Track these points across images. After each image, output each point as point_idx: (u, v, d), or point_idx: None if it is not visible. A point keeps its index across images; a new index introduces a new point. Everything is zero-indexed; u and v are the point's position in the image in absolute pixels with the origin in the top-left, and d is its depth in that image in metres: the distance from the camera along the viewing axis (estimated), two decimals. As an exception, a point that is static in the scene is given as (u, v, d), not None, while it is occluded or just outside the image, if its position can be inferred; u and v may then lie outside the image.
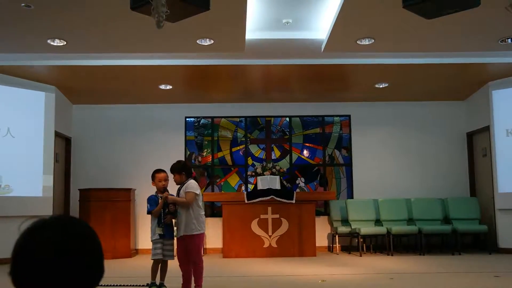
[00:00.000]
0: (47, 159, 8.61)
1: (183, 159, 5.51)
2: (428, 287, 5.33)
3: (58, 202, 9.27)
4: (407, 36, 6.78)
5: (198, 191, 5.28)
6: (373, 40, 6.85)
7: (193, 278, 5.21)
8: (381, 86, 9.13)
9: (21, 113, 8.34)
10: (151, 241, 5.35)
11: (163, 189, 5.37)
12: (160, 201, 5.29)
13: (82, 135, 9.85)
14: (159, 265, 5.34)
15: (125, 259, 8.54)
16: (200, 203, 5.34)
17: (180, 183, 5.32)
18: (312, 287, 5.54)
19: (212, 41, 6.80)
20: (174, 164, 5.38)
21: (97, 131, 9.87)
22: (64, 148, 9.69)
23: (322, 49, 7.26)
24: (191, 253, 5.17)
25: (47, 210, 8.52)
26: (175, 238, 5.36)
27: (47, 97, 8.69)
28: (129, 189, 9.02)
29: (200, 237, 5.28)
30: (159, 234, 5.25)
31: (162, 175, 5.42)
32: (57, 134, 9.10)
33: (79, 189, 9.07)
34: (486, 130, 9.29)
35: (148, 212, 5.33)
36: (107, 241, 8.59)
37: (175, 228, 5.34)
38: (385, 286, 5.56)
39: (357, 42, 6.92)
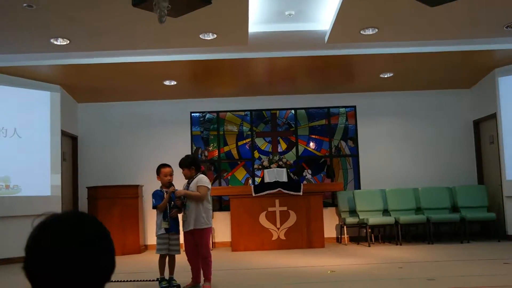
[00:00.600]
0: (55, 158, 8.65)
1: (190, 154, 5.48)
2: (438, 275, 5.33)
3: (67, 201, 9.32)
4: (410, 25, 6.74)
5: (210, 185, 5.33)
6: (376, 30, 6.82)
7: (202, 272, 5.24)
8: (386, 76, 9.09)
9: (27, 113, 8.37)
10: (156, 236, 5.37)
11: (168, 184, 5.39)
12: (165, 195, 5.31)
13: (88, 133, 9.88)
14: (166, 259, 5.37)
15: (135, 255, 8.58)
16: (209, 198, 5.37)
17: (190, 177, 5.34)
18: (321, 278, 5.55)
19: (215, 35, 6.79)
20: (182, 159, 5.41)
21: (103, 129, 9.90)
22: (71, 147, 9.73)
23: (326, 40, 7.24)
24: (200, 247, 5.20)
25: (56, 209, 8.51)
26: (181, 233, 5.38)
27: (52, 97, 8.72)
28: (137, 186, 9.05)
29: (209, 231, 5.32)
30: (165, 228, 5.27)
31: (167, 169, 5.44)
32: (64, 133, 9.14)
33: (87, 187, 9.11)
34: (493, 117, 9.24)
35: (154, 207, 5.35)
36: (116, 237, 8.63)
37: (181, 222, 5.36)
38: (394, 275, 5.56)
39: (361, 32, 6.89)
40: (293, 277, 5.76)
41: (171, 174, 5.45)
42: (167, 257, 5.37)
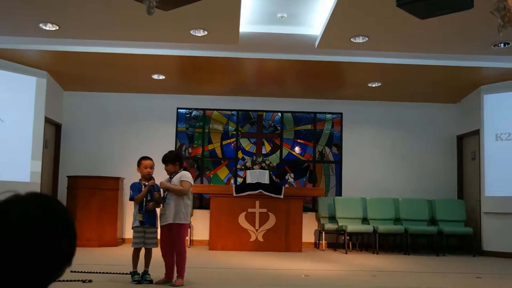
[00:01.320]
0: (36, 144, 8.56)
1: (174, 150, 5.47)
2: (409, 284, 5.36)
3: (46, 188, 9.24)
4: (401, 36, 6.79)
5: (193, 182, 5.33)
6: (367, 39, 6.86)
7: (175, 268, 5.22)
8: (374, 85, 9.15)
9: (11, 97, 8.28)
10: (132, 228, 5.35)
11: (148, 177, 5.37)
12: (143, 188, 5.29)
13: (72, 122, 9.80)
14: (139, 253, 5.34)
15: (111, 248, 8.53)
16: (190, 195, 5.36)
17: (173, 173, 5.32)
18: (294, 282, 5.56)
19: (206, 32, 6.78)
20: (167, 154, 5.39)
21: (88, 119, 9.82)
22: (54, 135, 9.64)
23: (316, 45, 7.26)
24: (176, 242, 5.18)
25: (34, 196, 8.48)
26: (158, 226, 5.36)
27: (38, 82, 8.64)
28: (118, 178, 8.99)
29: (187, 227, 5.32)
30: (140, 221, 5.25)
31: (148, 162, 5.42)
32: (48, 120, 9.05)
33: (67, 176, 9.03)
34: (476, 133, 9.34)
35: (131, 198, 5.33)
36: (94, 229, 8.60)
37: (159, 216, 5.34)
38: (367, 282, 5.59)
39: (351, 39, 6.92)
40: (267, 278, 5.76)
41: (151, 167, 5.43)
42: (141, 250, 5.34)
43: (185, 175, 5.26)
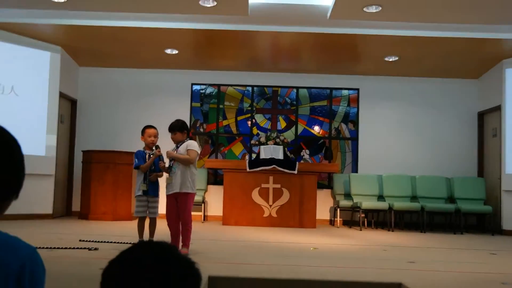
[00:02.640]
0: (51, 119, 8.63)
1: (180, 119, 5.40)
2: (419, 259, 5.24)
3: (62, 162, 9.34)
4: (415, 4, 6.56)
5: (199, 150, 5.27)
6: (380, 8, 6.66)
7: (181, 237, 5.20)
8: (391, 60, 8.92)
9: (25, 71, 8.34)
10: (135, 197, 5.35)
11: (152, 145, 5.34)
12: (147, 157, 5.26)
13: (88, 98, 9.85)
14: (144, 222, 5.34)
15: (125, 222, 8.58)
16: (195, 164, 5.30)
17: (180, 141, 5.26)
18: (302, 254, 5.49)
19: (215, 3, 6.68)
20: (173, 122, 5.31)
21: (103, 94, 9.86)
22: (69, 110, 9.71)
23: (328, 16, 7.09)
24: (183, 212, 5.14)
25: (50, 169, 8.59)
26: (159, 196, 5.36)
27: (52, 57, 8.67)
28: (132, 153, 8.94)
29: (193, 197, 5.25)
30: (143, 191, 5.24)
31: (152, 130, 5.39)
32: (63, 96, 9.11)
33: (82, 151, 9.10)
34: (498, 110, 9.05)
35: (136, 167, 5.30)
36: (108, 202, 8.66)
37: (161, 185, 5.33)
38: (375, 255, 5.48)
39: (364, 9, 6.73)
40: (273, 250, 5.70)
41: (155, 136, 5.40)
42: (145, 220, 5.34)
43: (192, 144, 5.20)
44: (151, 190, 5.28)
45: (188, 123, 9.65)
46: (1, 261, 1.03)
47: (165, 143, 5.57)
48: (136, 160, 5.30)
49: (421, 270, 4.53)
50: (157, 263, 1.02)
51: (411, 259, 5.24)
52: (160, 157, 5.35)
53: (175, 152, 5.22)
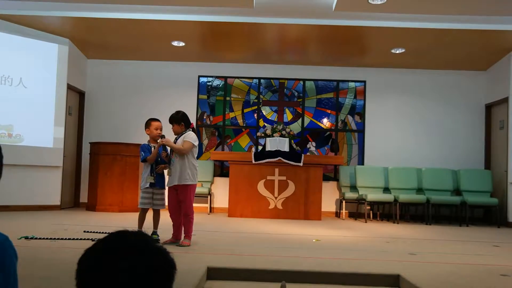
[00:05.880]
0: (59, 111, 8.72)
1: (181, 110, 5.43)
2: (421, 251, 5.25)
3: (70, 154, 9.43)
4: (420, -3, 6.53)
5: (196, 142, 5.28)
6: (385, 0, 6.63)
7: (183, 228, 5.25)
8: (397, 52, 8.89)
9: (34, 64, 8.43)
10: (141, 189, 5.39)
11: (158, 138, 5.38)
12: (153, 149, 5.31)
13: (96, 90, 9.93)
14: (146, 214, 5.40)
15: (132, 213, 8.65)
16: (194, 154, 5.32)
17: (179, 133, 5.31)
18: (304, 246, 5.52)
19: (220, -5, 6.69)
20: (173, 114, 5.36)
21: (110, 87, 9.93)
22: (78, 102, 9.80)
23: (333, 8, 7.07)
24: (183, 203, 5.19)
25: (58, 161, 8.69)
26: (166, 188, 5.39)
27: (60, 50, 8.75)
28: (139, 144, 9.00)
29: (193, 188, 5.28)
30: (150, 183, 5.29)
31: (158, 123, 5.44)
32: (71, 88, 9.20)
33: (89, 142, 9.19)
34: (505, 102, 8.99)
35: (143, 160, 5.34)
36: (115, 194, 8.74)
37: (166, 177, 5.36)
38: (377, 247, 5.50)
39: (369, 1, 6.71)
40: (276, 241, 5.74)
41: (161, 129, 5.45)
42: (148, 211, 5.40)
43: (188, 135, 5.23)
44: (158, 182, 5.34)
45: (195, 115, 9.72)
46: None
47: (169, 135, 5.61)
48: (143, 153, 5.34)
49: (421, 262, 4.54)
50: (131, 252, 1.04)
51: (413, 251, 5.26)
52: (164, 147, 5.39)
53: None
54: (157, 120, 5.50)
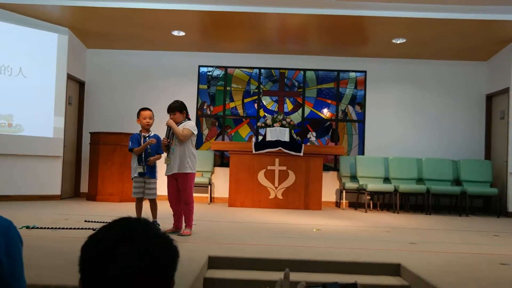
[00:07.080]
0: (59, 101, 8.71)
1: (179, 100, 5.42)
2: (421, 240, 5.27)
3: (70, 144, 9.43)
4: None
5: (195, 131, 5.28)
6: (386, -11, 6.60)
7: (183, 217, 5.26)
8: (398, 42, 8.86)
9: (33, 53, 8.40)
10: (131, 179, 5.43)
11: (148, 128, 5.41)
12: (142, 140, 5.36)
13: (96, 80, 9.91)
14: (142, 203, 5.43)
15: (132, 203, 8.64)
16: (194, 143, 5.33)
17: (179, 122, 5.29)
18: (304, 235, 5.54)
19: (220, -16, 6.65)
20: (173, 103, 5.33)
21: (110, 76, 9.91)
22: (78, 92, 9.78)
23: (334, -3, 7.04)
24: (183, 192, 5.19)
25: (58, 151, 8.69)
26: (157, 178, 5.45)
27: (60, 39, 8.72)
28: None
29: (193, 176, 5.29)
30: (139, 172, 5.32)
31: (147, 112, 5.46)
32: (71, 78, 9.17)
33: (89, 132, 9.19)
34: (506, 92, 8.98)
35: (130, 150, 5.39)
36: (115, 184, 8.75)
37: (162, 167, 5.38)
38: (377, 237, 5.52)
39: (370, -10, 6.67)
40: (275, 230, 5.75)
41: (150, 118, 5.46)
42: (143, 201, 5.43)
43: (188, 123, 5.24)
44: (148, 172, 5.36)
45: (195, 105, 9.71)
46: None
47: (163, 126, 5.60)
48: (130, 143, 5.39)
49: (421, 251, 4.55)
50: (134, 239, 1.04)
51: (413, 240, 5.28)
52: (167, 133, 5.36)
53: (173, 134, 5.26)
54: (147, 109, 5.52)
